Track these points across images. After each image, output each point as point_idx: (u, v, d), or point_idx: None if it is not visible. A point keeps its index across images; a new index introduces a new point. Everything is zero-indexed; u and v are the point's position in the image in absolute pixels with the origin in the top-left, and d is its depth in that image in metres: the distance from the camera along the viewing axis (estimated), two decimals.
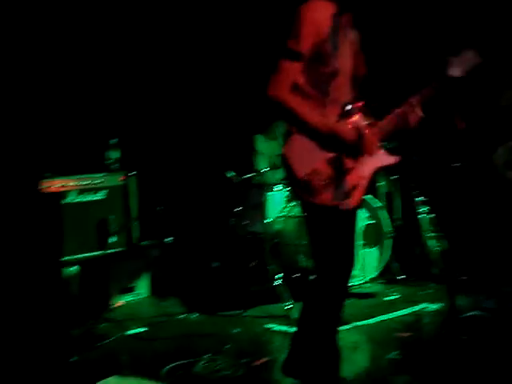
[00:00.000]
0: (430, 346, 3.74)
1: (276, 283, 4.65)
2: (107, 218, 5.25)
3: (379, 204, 5.28)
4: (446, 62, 2.73)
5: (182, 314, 4.71)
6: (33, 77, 4.06)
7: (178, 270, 5.53)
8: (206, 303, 4.89)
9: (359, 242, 4.96)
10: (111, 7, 5.76)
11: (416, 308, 4.49)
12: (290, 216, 5.07)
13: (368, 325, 4.17)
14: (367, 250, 5.11)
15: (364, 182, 2.78)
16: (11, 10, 4.45)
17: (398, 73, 5.42)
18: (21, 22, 4.62)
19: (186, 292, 5.22)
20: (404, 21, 5.45)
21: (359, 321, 4.20)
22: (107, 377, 3.19)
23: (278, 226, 5.07)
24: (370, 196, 5.19)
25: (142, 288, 5.28)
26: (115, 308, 4.95)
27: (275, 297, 4.63)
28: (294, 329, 2.99)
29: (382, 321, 4.25)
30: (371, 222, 5.22)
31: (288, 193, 5.16)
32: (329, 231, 2.76)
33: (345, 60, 2.75)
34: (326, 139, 2.67)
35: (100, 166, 5.43)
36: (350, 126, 2.72)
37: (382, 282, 5.25)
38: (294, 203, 5.10)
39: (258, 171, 5.25)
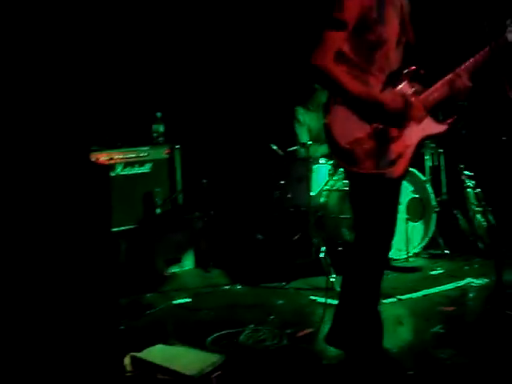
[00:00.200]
0: (475, 320, 3.72)
1: (320, 256, 4.66)
2: (153, 190, 5.33)
3: (424, 178, 5.21)
4: (506, 27, 2.63)
5: (227, 285, 4.78)
6: (81, 51, 4.12)
7: (223, 243, 5.59)
8: (250, 275, 4.94)
9: (403, 215, 4.92)
10: None
11: (461, 283, 4.44)
12: (333, 189, 5.06)
13: (412, 299, 4.14)
14: (411, 224, 5.05)
15: (410, 151, 2.73)
16: None
17: (450, 37, 5.25)
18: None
19: (231, 264, 5.29)
20: None
21: (403, 295, 4.18)
22: (154, 345, 3.25)
23: (321, 200, 5.07)
24: (415, 170, 5.12)
25: (188, 259, 5.36)
26: (162, 278, 5.04)
27: (319, 269, 4.65)
28: (337, 301, 3.01)
29: (425, 295, 4.21)
30: (416, 195, 5.17)
31: (331, 166, 5.14)
32: (371, 199, 2.74)
33: (391, 28, 2.71)
34: (369, 109, 2.65)
35: (145, 140, 5.50)
36: (395, 94, 2.68)
37: (426, 257, 5.21)
38: (338, 177, 5.08)
39: (301, 144, 5.23)
